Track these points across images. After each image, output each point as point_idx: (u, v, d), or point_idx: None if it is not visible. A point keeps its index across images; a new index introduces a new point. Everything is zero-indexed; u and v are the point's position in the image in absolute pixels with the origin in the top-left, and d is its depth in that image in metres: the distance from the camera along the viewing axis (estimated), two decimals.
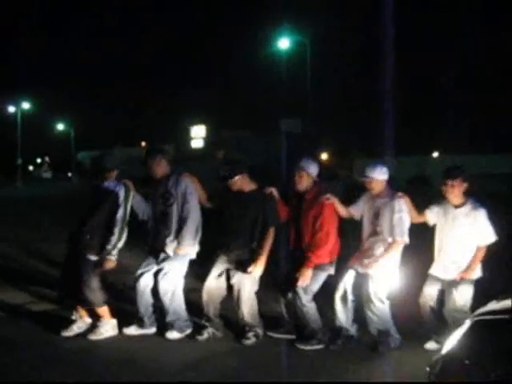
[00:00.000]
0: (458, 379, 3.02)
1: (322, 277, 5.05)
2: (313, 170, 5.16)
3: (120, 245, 5.09)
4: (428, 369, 3.21)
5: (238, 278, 5.11)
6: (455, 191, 4.86)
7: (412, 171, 24.41)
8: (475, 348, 3.14)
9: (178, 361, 4.73)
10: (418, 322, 5.10)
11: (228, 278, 5.22)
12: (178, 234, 5.16)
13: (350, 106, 43.90)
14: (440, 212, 5.01)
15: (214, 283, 5.19)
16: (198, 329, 5.23)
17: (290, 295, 5.10)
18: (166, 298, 5.17)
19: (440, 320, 4.88)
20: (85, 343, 5.05)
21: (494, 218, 4.91)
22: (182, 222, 5.16)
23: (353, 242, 5.28)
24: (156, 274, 5.25)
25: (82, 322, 5.26)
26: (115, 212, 5.06)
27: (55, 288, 5.42)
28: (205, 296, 5.21)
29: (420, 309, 5.02)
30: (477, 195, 4.99)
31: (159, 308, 5.29)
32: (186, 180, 5.25)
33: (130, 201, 5.16)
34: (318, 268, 4.99)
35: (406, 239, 4.90)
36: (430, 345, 4.89)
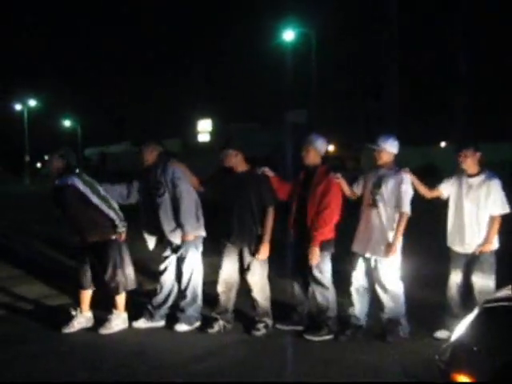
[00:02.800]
0: (466, 366, 3.02)
1: (328, 255, 5.07)
2: (320, 145, 5.16)
3: (121, 213, 5.16)
4: (437, 356, 3.21)
5: (248, 264, 5.13)
6: (468, 161, 4.92)
7: (418, 161, 24.30)
8: (484, 335, 3.14)
9: (188, 352, 4.75)
10: (441, 306, 5.11)
11: (240, 267, 5.23)
12: (178, 223, 5.17)
13: (357, 97, 43.67)
14: (455, 183, 5.04)
15: (228, 274, 5.21)
16: (208, 322, 5.25)
17: (309, 284, 5.12)
18: (183, 282, 5.26)
19: (465, 308, 4.83)
20: (95, 337, 5.09)
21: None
22: (177, 210, 5.17)
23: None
24: (175, 263, 5.33)
25: (82, 316, 5.28)
26: (88, 200, 5.06)
27: (75, 279, 5.42)
28: (222, 288, 5.23)
29: (446, 293, 5.05)
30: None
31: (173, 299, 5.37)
32: (172, 166, 5.24)
33: (94, 185, 5.13)
34: (323, 246, 4.99)
35: (410, 212, 4.90)
36: (441, 333, 4.90)
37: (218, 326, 5.18)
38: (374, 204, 4.98)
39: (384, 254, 4.88)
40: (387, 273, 4.93)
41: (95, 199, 5.09)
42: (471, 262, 4.89)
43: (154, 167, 5.27)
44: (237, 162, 5.19)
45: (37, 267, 7.76)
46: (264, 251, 5.07)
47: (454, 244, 5.01)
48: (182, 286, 5.29)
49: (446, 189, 5.10)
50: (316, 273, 5.03)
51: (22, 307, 6.04)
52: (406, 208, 4.87)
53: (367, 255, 5.02)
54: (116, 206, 5.20)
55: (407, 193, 4.89)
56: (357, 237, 5.13)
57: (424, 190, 5.14)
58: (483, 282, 4.81)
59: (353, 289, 5.11)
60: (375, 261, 4.97)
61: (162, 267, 5.37)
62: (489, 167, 4.99)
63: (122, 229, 5.18)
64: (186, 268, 5.26)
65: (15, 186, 33.67)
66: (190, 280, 5.27)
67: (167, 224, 5.20)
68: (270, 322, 5.21)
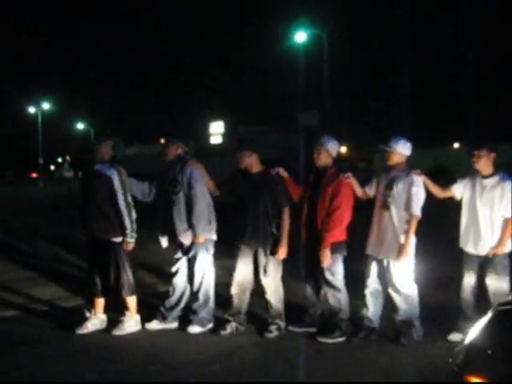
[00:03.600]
0: (480, 369, 3.00)
1: (340, 257, 5.06)
2: (332, 147, 5.15)
3: (135, 226, 5.16)
4: (450, 359, 3.19)
5: (263, 265, 5.13)
6: (482, 161, 4.87)
7: (430, 163, 24.13)
8: (498, 338, 3.12)
9: (200, 354, 4.77)
10: (455, 308, 5.08)
11: (254, 269, 5.22)
12: (190, 223, 5.19)
13: (369, 99, 43.57)
14: (468, 184, 5.00)
15: (242, 276, 5.21)
16: (220, 324, 5.25)
17: (321, 286, 5.10)
18: (195, 284, 5.27)
19: (479, 311, 4.78)
20: (108, 338, 5.11)
21: None
22: (190, 210, 5.18)
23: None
24: (187, 265, 5.34)
25: (96, 318, 5.30)
26: (114, 197, 5.11)
27: (86, 284, 5.44)
28: (235, 290, 5.23)
29: (460, 295, 5.02)
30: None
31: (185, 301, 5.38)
32: (191, 166, 5.26)
33: (127, 185, 5.18)
34: (335, 248, 4.98)
35: (420, 214, 4.87)
36: (454, 336, 4.86)
37: (230, 328, 5.19)
38: (387, 206, 4.96)
39: (396, 257, 4.87)
40: (400, 275, 4.91)
41: (121, 201, 5.12)
42: (485, 264, 4.86)
43: (173, 164, 5.30)
44: (251, 162, 5.21)
45: (50, 269, 7.83)
46: (282, 252, 5.07)
47: (467, 245, 4.98)
48: (194, 289, 5.31)
49: (459, 189, 5.06)
50: (328, 275, 5.02)
51: (36, 308, 6.08)
52: (416, 210, 4.85)
53: (380, 257, 5.00)
54: (135, 216, 5.18)
55: (418, 195, 4.87)
56: (370, 239, 5.11)
57: (436, 190, 5.11)
58: (497, 284, 4.77)
59: (367, 291, 5.09)
60: (388, 263, 4.96)
61: (173, 269, 5.39)
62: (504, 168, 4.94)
63: (130, 240, 5.17)
64: (197, 270, 5.27)
65: (29, 188, 33.97)
66: (201, 282, 5.28)
67: (179, 223, 5.22)
68: (282, 324, 5.21)
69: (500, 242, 4.80)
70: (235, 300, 5.24)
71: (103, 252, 5.19)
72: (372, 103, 43.55)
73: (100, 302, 5.33)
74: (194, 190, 5.17)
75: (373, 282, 5.07)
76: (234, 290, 5.25)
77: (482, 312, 4.31)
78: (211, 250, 5.35)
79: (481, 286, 4.91)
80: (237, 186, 5.32)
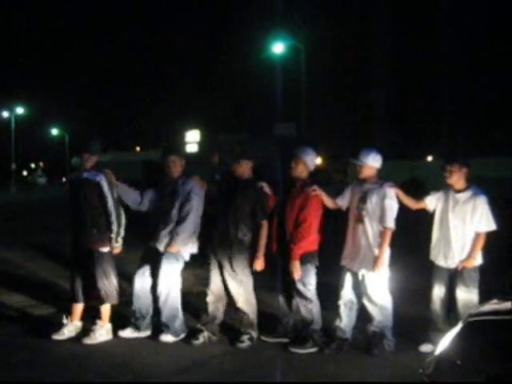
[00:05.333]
0: (449, 380, 3.03)
1: (311, 267, 5.05)
2: (309, 159, 5.16)
3: (122, 230, 5.20)
4: (421, 370, 3.23)
5: (230, 275, 5.10)
6: (454, 176, 4.92)
7: (405, 175, 24.41)
8: (467, 349, 3.16)
9: (172, 364, 4.72)
10: (426, 320, 5.10)
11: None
12: (173, 231, 5.19)
13: (345, 111, 43.94)
14: (441, 197, 5.05)
15: (217, 285, 5.19)
16: (193, 333, 5.22)
17: (293, 298, 5.10)
18: (161, 297, 5.20)
19: (449, 321, 4.85)
20: (78, 347, 5.04)
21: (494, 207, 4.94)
22: (180, 220, 5.20)
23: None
24: (153, 273, 5.28)
25: (72, 325, 5.25)
26: (104, 202, 5.13)
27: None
28: (210, 298, 5.20)
29: (430, 307, 5.06)
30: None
31: (155, 310, 5.31)
32: (193, 181, 5.31)
33: (114, 191, 5.23)
34: (306, 259, 4.99)
35: (394, 226, 4.93)
36: (425, 347, 4.90)
37: (203, 338, 5.15)
38: (361, 219, 4.99)
39: (371, 269, 4.90)
40: (375, 286, 4.94)
41: (110, 205, 5.13)
42: (454, 277, 4.91)
43: (178, 179, 5.35)
44: (246, 170, 5.19)
45: (22, 276, 7.70)
46: (259, 263, 5.06)
47: (438, 258, 5.03)
48: (160, 303, 5.22)
49: (432, 202, 5.12)
50: (299, 286, 5.03)
51: (6, 316, 5.95)
52: (390, 223, 4.90)
53: (355, 269, 5.03)
54: (124, 221, 5.22)
55: (391, 208, 4.91)
56: (344, 251, 5.14)
57: (409, 202, 5.15)
58: (466, 296, 4.83)
59: (340, 302, 5.10)
60: (363, 275, 4.98)
61: (136, 274, 5.32)
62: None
63: (116, 244, 5.18)
64: (162, 283, 5.18)
65: (1, 194, 33.43)
66: (167, 298, 5.19)
67: (163, 228, 5.22)
68: (255, 334, 5.19)
69: (470, 256, 4.86)
70: (210, 308, 5.21)
71: (89, 261, 5.14)
72: (349, 115, 43.95)
73: (78, 309, 5.29)
74: (190, 204, 5.21)
75: (347, 294, 5.09)
76: (208, 298, 5.22)
77: (452, 323, 4.38)
78: (181, 263, 5.28)
79: (450, 299, 4.97)
80: (223, 191, 5.25)
